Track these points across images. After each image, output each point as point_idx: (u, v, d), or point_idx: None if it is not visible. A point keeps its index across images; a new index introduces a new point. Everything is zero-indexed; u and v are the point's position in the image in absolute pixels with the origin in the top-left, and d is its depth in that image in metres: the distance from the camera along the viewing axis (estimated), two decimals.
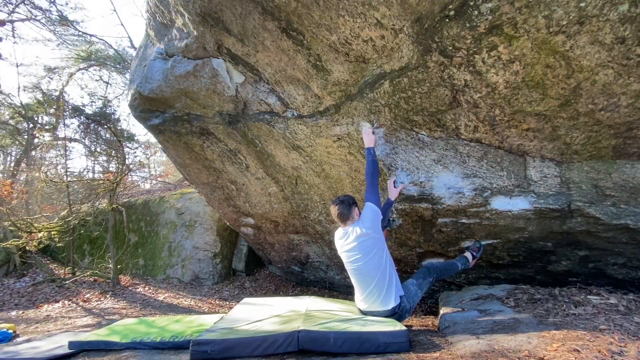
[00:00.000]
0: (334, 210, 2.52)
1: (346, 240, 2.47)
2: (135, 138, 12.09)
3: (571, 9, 1.72)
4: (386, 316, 2.37)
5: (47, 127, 11.89)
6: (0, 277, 6.88)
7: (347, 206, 2.49)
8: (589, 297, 2.55)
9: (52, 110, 11.58)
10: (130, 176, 11.31)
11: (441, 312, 2.96)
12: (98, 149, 12.69)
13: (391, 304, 2.37)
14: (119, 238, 7.27)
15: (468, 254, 2.96)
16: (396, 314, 2.39)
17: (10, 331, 3.54)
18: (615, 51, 1.82)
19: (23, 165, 11.54)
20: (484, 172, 2.70)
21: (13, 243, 6.94)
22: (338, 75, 2.65)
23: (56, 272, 7.30)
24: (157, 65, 3.45)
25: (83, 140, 12.30)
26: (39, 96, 11.55)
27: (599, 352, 1.60)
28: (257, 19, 2.49)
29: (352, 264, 2.46)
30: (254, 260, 7.14)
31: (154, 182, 13.97)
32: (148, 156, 14.46)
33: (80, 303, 5.53)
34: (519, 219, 2.77)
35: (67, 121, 11.84)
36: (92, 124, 11.57)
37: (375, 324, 2.37)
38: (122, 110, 21.80)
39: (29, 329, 4.05)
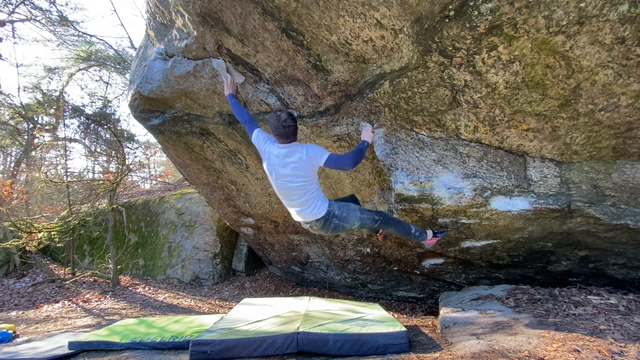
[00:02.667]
0: (285, 117, 2.28)
1: (284, 155, 2.32)
2: (135, 138, 12.07)
3: (571, 9, 1.72)
4: (316, 220, 2.41)
5: (47, 127, 11.89)
6: (0, 278, 6.88)
7: (295, 125, 2.34)
8: (589, 297, 2.55)
9: (52, 111, 11.58)
10: (130, 176, 11.32)
11: (441, 312, 2.96)
12: (98, 149, 12.69)
13: (318, 215, 2.38)
14: (119, 238, 7.27)
15: (429, 230, 2.84)
16: (323, 217, 2.39)
17: (10, 331, 3.53)
18: (615, 51, 1.82)
19: (23, 165, 11.53)
20: (484, 172, 2.70)
21: (13, 243, 6.93)
22: (338, 75, 2.65)
23: (56, 272, 7.30)
24: (157, 65, 3.45)
25: (83, 141, 12.31)
26: (39, 96, 11.55)
27: (599, 352, 1.60)
28: (257, 19, 2.49)
29: (281, 178, 2.38)
30: (254, 261, 7.14)
31: (154, 182, 13.96)
32: (148, 156, 14.45)
33: (80, 303, 5.52)
34: (519, 219, 2.76)
35: (67, 121, 11.86)
36: (92, 124, 11.57)
37: (375, 324, 2.37)
38: (122, 111, 21.76)
39: (28, 329, 4.04)
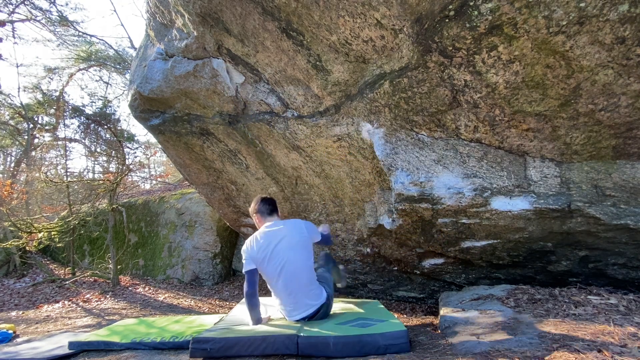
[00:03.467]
0: (265, 205, 2.59)
1: (274, 231, 2.48)
2: (135, 138, 12.08)
3: (571, 9, 1.72)
4: (321, 304, 2.47)
5: (47, 127, 11.90)
6: (0, 278, 6.88)
7: (275, 202, 2.65)
8: (589, 297, 2.55)
9: (52, 111, 11.59)
10: (130, 176, 11.32)
11: (441, 312, 2.96)
12: (98, 149, 12.70)
13: (323, 297, 2.50)
14: (119, 238, 7.27)
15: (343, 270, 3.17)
16: (325, 303, 2.51)
17: (10, 331, 3.53)
18: (615, 51, 1.82)
19: (23, 165, 11.53)
20: (484, 172, 2.70)
21: (13, 243, 6.93)
22: (338, 76, 2.65)
23: (56, 272, 7.30)
24: (157, 65, 3.45)
25: (83, 141, 12.32)
26: (39, 96, 11.56)
27: (599, 352, 1.60)
28: (257, 19, 2.49)
29: (280, 255, 2.43)
30: None
31: (154, 182, 13.96)
32: (148, 156, 14.46)
33: (80, 303, 5.52)
34: (519, 219, 2.76)
35: (67, 121, 11.88)
36: (92, 124, 11.59)
37: (375, 324, 2.37)
38: (122, 111, 21.76)
39: (29, 329, 4.04)
